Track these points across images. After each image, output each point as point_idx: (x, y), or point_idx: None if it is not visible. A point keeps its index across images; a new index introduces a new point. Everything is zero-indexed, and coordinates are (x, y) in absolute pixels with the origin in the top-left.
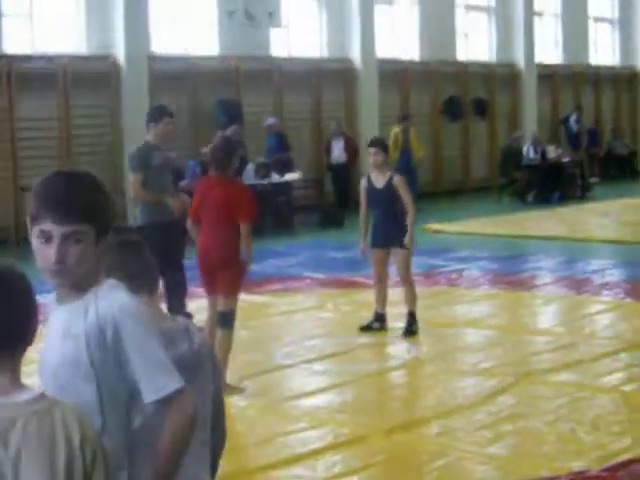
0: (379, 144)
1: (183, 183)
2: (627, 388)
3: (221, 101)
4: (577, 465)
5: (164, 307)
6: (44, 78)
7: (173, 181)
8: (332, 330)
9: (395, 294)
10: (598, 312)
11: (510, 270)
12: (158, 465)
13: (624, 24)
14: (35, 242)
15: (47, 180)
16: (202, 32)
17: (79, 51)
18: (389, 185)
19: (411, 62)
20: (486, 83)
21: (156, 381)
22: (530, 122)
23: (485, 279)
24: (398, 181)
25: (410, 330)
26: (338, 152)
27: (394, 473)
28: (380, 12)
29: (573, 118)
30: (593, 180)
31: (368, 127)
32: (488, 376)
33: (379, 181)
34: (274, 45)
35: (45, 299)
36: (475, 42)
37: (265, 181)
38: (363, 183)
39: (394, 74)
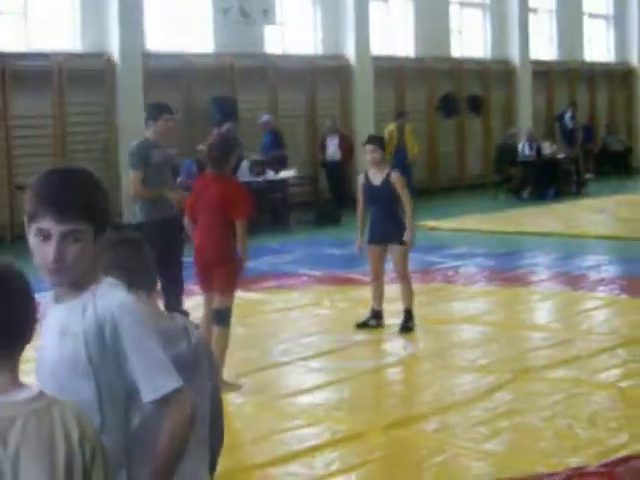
0: (377, 141)
1: (178, 181)
2: (624, 384)
3: (216, 98)
4: (574, 461)
5: (161, 304)
6: (39, 76)
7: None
8: (328, 327)
9: (392, 291)
10: (594, 308)
11: (506, 266)
12: (157, 464)
13: (619, 20)
14: (33, 240)
15: (45, 177)
16: (197, 29)
17: (74, 49)
18: (387, 182)
19: (406, 59)
20: (481, 80)
21: (155, 380)
22: (525, 118)
23: (481, 276)
24: (396, 178)
25: (407, 327)
26: (333, 149)
27: (392, 470)
28: (375, 9)
29: (568, 114)
30: (588, 176)
31: (363, 124)
32: (485, 372)
33: (377, 178)
34: (269, 42)
35: (42, 297)
36: (470, 39)
37: (260, 178)
38: (361, 180)
39: (389, 71)
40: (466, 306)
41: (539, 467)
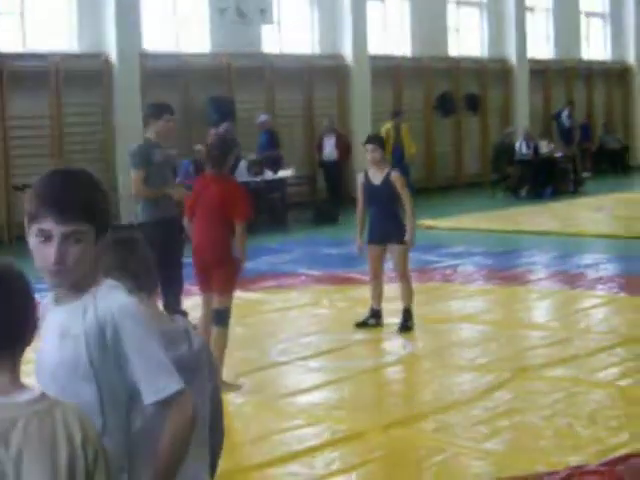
0: (377, 141)
1: (177, 181)
2: (623, 382)
3: (213, 98)
4: (574, 460)
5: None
6: (36, 76)
7: None
8: (327, 327)
9: (391, 290)
10: (593, 306)
11: (504, 265)
12: (158, 467)
13: (615, 19)
14: (33, 241)
15: (47, 178)
16: (194, 29)
17: (71, 49)
18: (387, 181)
19: (403, 58)
20: (478, 78)
21: (156, 382)
22: (522, 117)
23: (479, 274)
24: (396, 177)
25: (406, 326)
26: (329, 149)
27: (392, 469)
28: (372, 8)
29: (565, 113)
30: (585, 175)
31: (361, 124)
32: (484, 371)
33: (376, 177)
34: (266, 42)
35: (42, 298)
36: (467, 38)
37: (258, 178)
38: (360, 179)
39: (386, 70)
40: (464, 305)
41: (539, 466)
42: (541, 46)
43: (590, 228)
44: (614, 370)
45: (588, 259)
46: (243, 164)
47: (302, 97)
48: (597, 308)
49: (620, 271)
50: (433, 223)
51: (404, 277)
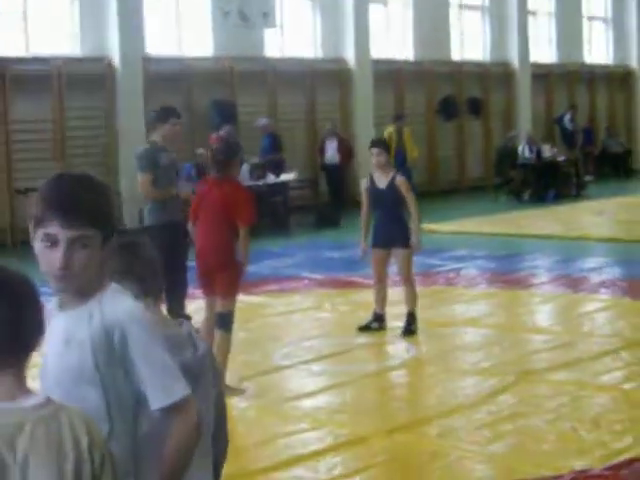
0: (382, 144)
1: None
2: (627, 386)
3: (215, 102)
4: (579, 464)
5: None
6: (39, 80)
7: None
8: (330, 330)
9: (394, 294)
10: (596, 310)
11: (507, 269)
12: (163, 472)
13: (618, 23)
14: (39, 246)
15: (53, 182)
16: (196, 33)
17: (74, 53)
18: (392, 185)
19: (405, 62)
20: (481, 82)
21: (163, 388)
22: (525, 121)
23: (482, 278)
24: (401, 181)
25: (409, 330)
26: (331, 152)
27: (395, 473)
28: (374, 12)
29: (568, 117)
30: (588, 178)
31: (363, 127)
32: (488, 375)
33: (381, 181)
34: (268, 46)
35: (46, 303)
36: (469, 41)
37: (260, 182)
38: (365, 183)
39: (388, 74)
40: (468, 309)
41: (543, 470)
42: (543, 50)
43: (593, 232)
44: (618, 374)
45: (591, 263)
46: (245, 168)
47: (304, 101)
48: (600, 312)
49: (623, 275)
50: (436, 227)
51: (408, 281)
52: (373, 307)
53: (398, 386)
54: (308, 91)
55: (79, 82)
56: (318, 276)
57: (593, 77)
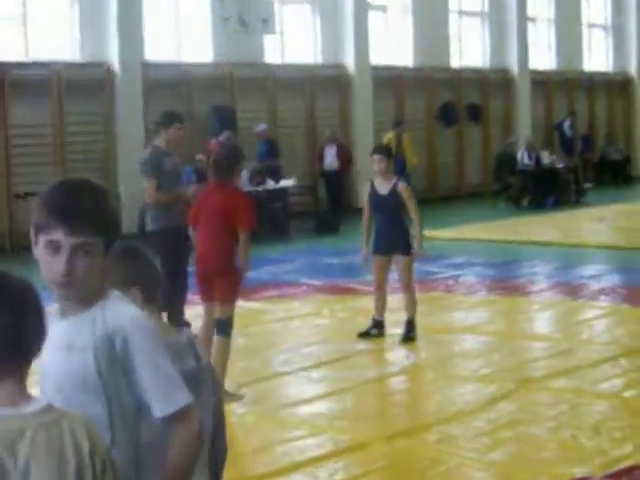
0: (383, 151)
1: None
2: (627, 394)
3: (215, 108)
4: (578, 471)
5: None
6: (38, 85)
7: None
8: (329, 337)
9: (393, 300)
10: (595, 317)
11: (506, 276)
12: None
13: (617, 30)
14: (41, 252)
15: (56, 189)
16: (196, 39)
17: (73, 58)
18: (393, 192)
19: (405, 68)
20: (480, 89)
21: (166, 396)
22: (524, 127)
23: (481, 285)
24: (403, 188)
25: (408, 336)
26: (330, 159)
27: None
28: (374, 19)
29: (567, 124)
30: (587, 185)
31: (362, 134)
32: (487, 382)
33: (383, 188)
34: (268, 52)
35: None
36: (469, 48)
37: (260, 188)
38: (367, 189)
39: (388, 80)
40: (467, 315)
41: (543, 478)
42: (543, 57)
43: (592, 239)
44: (617, 381)
45: (590, 270)
46: (245, 174)
47: (304, 107)
48: (599, 319)
49: (622, 282)
50: (435, 233)
51: (408, 288)
52: (372, 313)
53: (397, 392)
54: (308, 97)
55: (78, 87)
56: (317, 282)
57: (592, 84)
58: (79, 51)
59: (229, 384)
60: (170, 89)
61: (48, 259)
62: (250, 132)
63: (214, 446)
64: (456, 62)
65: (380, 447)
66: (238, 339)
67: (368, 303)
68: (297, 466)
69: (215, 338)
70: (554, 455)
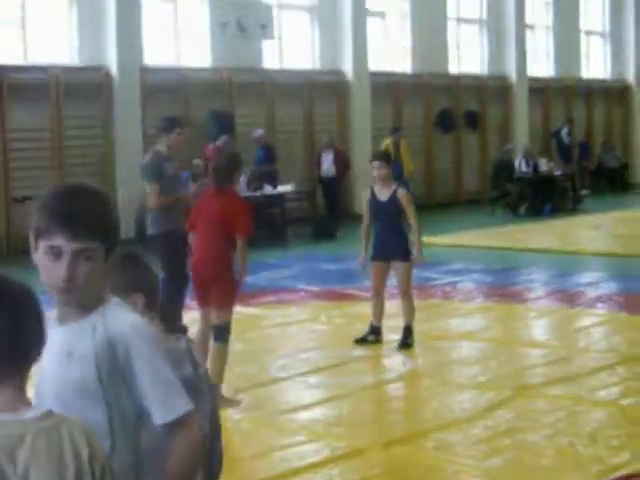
0: (383, 157)
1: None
2: (625, 402)
3: (213, 113)
4: (576, 479)
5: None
6: (36, 89)
7: None
8: (326, 343)
9: (391, 306)
10: (592, 325)
11: (503, 283)
12: None
13: (615, 37)
14: (41, 257)
15: (57, 194)
16: (194, 44)
17: (72, 62)
18: (393, 198)
19: (403, 75)
20: (478, 96)
21: (167, 403)
22: (521, 135)
23: (479, 292)
24: (402, 195)
25: (406, 343)
26: (327, 165)
27: None
28: (372, 25)
29: (565, 131)
30: (584, 193)
31: (360, 140)
32: (484, 389)
33: (383, 194)
34: (266, 57)
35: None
36: (467, 55)
37: (258, 193)
38: (366, 195)
39: (386, 87)
40: (464, 322)
41: None
42: (541, 64)
43: (589, 246)
44: (615, 389)
45: (587, 277)
46: (243, 179)
47: (302, 112)
48: (596, 327)
49: (619, 290)
50: (433, 240)
51: (407, 294)
52: (370, 320)
53: (395, 399)
54: (306, 103)
55: (77, 91)
56: (315, 288)
57: (590, 91)
58: (78, 55)
59: (226, 389)
60: (168, 94)
61: (49, 264)
62: (248, 137)
63: (210, 452)
64: (454, 69)
65: (377, 454)
66: (235, 344)
67: (365, 309)
68: (294, 472)
69: (213, 344)
70: (551, 462)
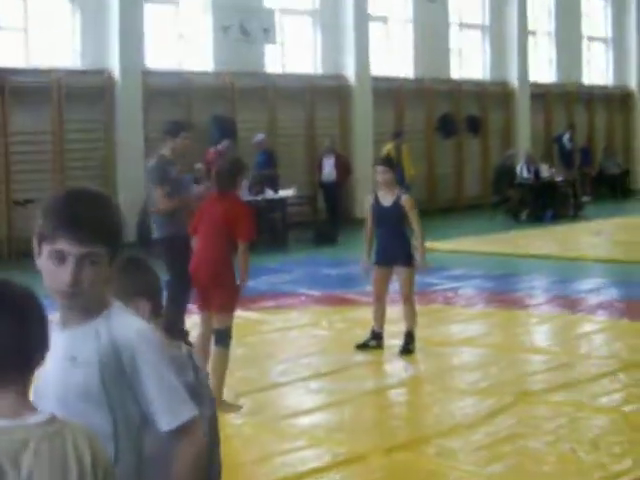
0: (387, 163)
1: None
2: (626, 408)
3: (215, 117)
4: None
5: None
6: (38, 92)
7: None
8: (327, 348)
9: (392, 312)
10: (593, 331)
11: (504, 288)
12: None
13: (617, 44)
14: (45, 262)
15: (62, 198)
16: (197, 47)
17: (74, 65)
18: (397, 204)
19: (405, 80)
20: (479, 101)
21: (172, 409)
22: (523, 140)
23: (480, 297)
24: (406, 200)
25: (407, 348)
26: (328, 170)
27: None
28: (374, 30)
29: (566, 137)
30: (585, 199)
31: (362, 144)
32: (486, 395)
33: (386, 199)
34: (268, 61)
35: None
36: (469, 60)
37: (259, 197)
38: (370, 200)
39: (388, 91)
40: (465, 328)
41: None
42: (543, 70)
43: (590, 252)
44: (616, 396)
45: (588, 283)
46: (245, 183)
47: (304, 117)
48: (598, 333)
49: (620, 296)
50: (434, 245)
51: (409, 300)
52: (371, 325)
53: (396, 405)
54: (308, 107)
55: (79, 94)
56: (316, 293)
57: (592, 98)
58: (80, 58)
59: (227, 394)
60: (170, 98)
61: (53, 269)
62: (250, 142)
63: (209, 459)
64: (456, 74)
65: (378, 459)
66: (236, 349)
67: (366, 314)
68: (296, 478)
69: (214, 348)
70: (553, 469)
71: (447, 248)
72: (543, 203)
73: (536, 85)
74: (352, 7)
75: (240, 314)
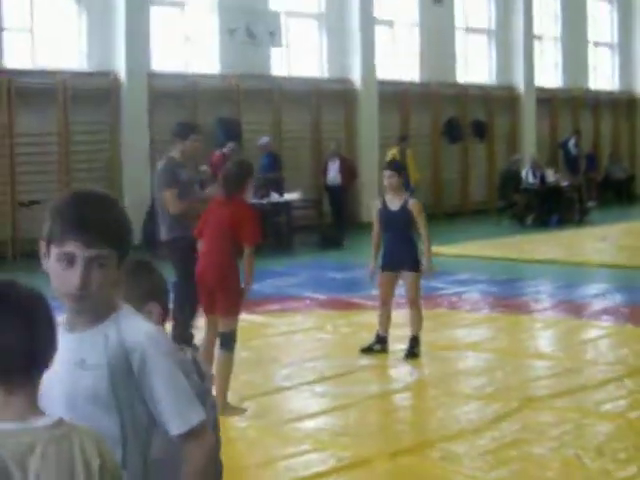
0: (394, 167)
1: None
2: (632, 415)
3: (221, 119)
4: None
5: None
6: (44, 93)
7: None
8: (332, 351)
9: (397, 316)
10: (598, 337)
11: (509, 293)
12: None
13: (623, 49)
14: (53, 265)
15: (71, 200)
16: (203, 50)
17: (80, 67)
18: (404, 208)
19: (411, 84)
20: (485, 105)
21: (182, 412)
22: (529, 145)
23: (485, 302)
24: (414, 205)
25: (412, 353)
26: (333, 173)
27: None
28: (380, 34)
29: (572, 142)
30: (591, 204)
31: (368, 148)
32: (491, 400)
33: (394, 204)
34: (274, 64)
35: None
36: (475, 65)
37: (264, 201)
38: (377, 205)
39: (394, 95)
40: (470, 332)
41: None
42: (549, 75)
43: (595, 258)
44: (622, 402)
45: (593, 289)
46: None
47: (309, 120)
48: (603, 339)
49: (625, 301)
50: (439, 250)
51: (415, 304)
52: (376, 329)
53: (401, 409)
54: (313, 110)
55: (84, 96)
56: (321, 296)
57: (598, 103)
58: (86, 60)
59: (232, 397)
60: (176, 100)
61: (61, 272)
62: (255, 144)
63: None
64: (462, 78)
65: (383, 464)
66: (241, 352)
67: (371, 318)
68: None
69: (218, 352)
70: (557, 475)
71: (453, 252)
72: (549, 208)
73: (542, 90)
74: (358, 10)
75: (245, 317)
